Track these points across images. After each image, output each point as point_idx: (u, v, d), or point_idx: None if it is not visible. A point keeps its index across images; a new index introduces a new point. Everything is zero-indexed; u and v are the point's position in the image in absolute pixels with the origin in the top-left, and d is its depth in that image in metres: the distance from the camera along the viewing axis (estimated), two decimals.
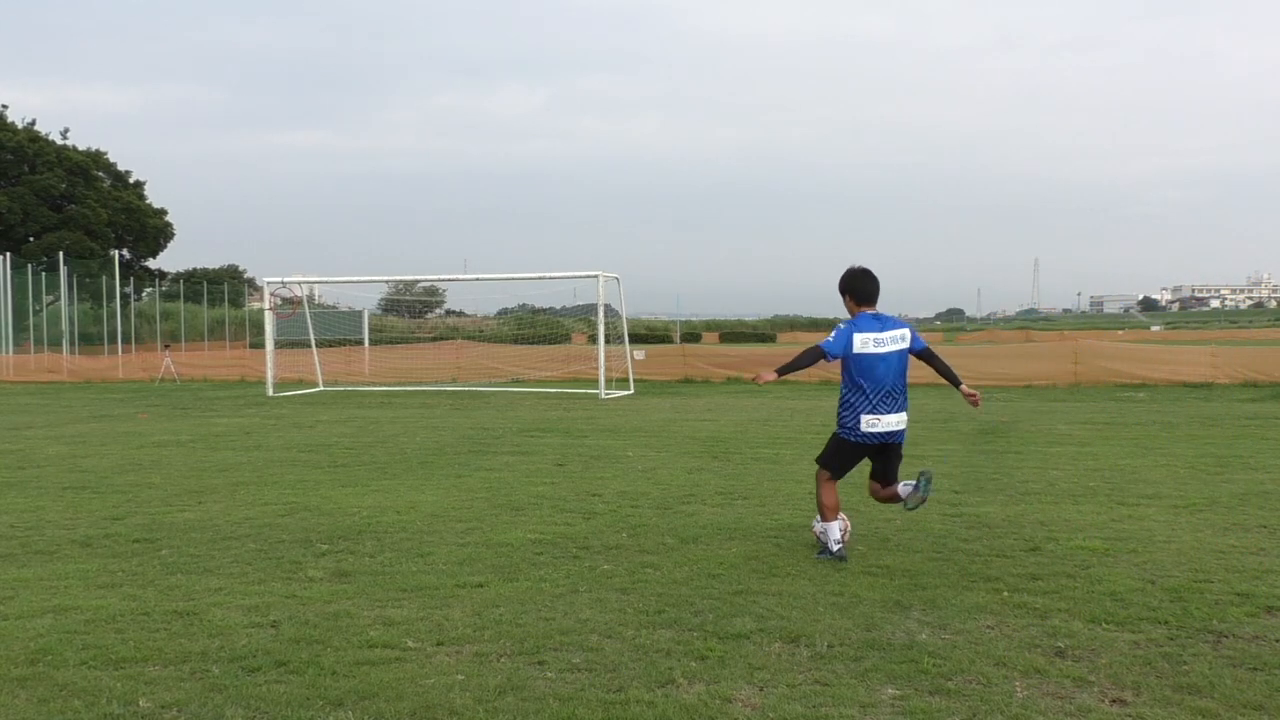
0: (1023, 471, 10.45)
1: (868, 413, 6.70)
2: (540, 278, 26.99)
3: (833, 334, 6.74)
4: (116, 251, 58.03)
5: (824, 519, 6.79)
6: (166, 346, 38.23)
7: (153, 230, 62.67)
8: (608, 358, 24.26)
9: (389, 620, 5.44)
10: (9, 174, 56.93)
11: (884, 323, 6.75)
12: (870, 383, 6.67)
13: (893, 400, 6.73)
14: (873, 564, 6.57)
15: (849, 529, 6.95)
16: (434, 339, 42.69)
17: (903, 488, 6.88)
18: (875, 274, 6.93)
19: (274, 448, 13.52)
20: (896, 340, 6.74)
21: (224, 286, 59.51)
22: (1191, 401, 19.31)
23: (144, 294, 57.59)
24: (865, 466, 7.09)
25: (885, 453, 6.91)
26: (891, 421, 6.74)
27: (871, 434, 6.74)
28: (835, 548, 6.69)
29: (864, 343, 6.65)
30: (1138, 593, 5.82)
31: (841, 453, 6.89)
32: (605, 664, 4.75)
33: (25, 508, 9.05)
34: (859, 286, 6.83)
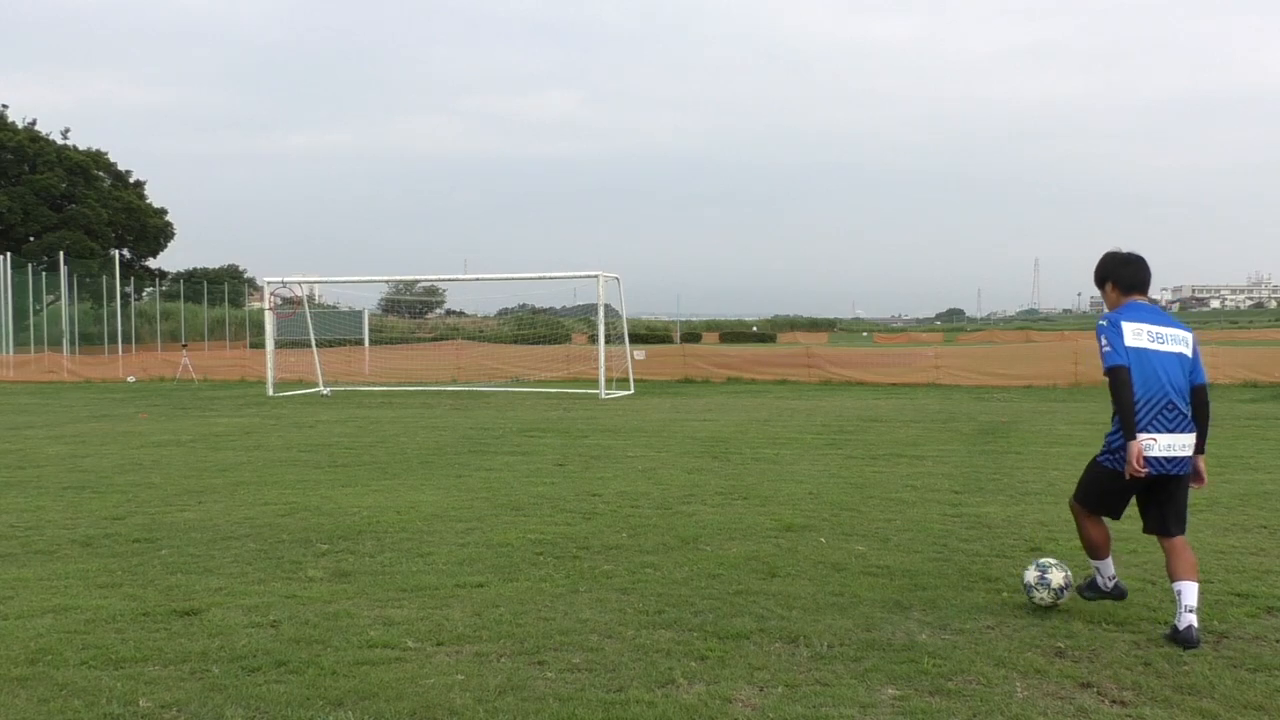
0: (1023, 471, 10.45)
1: None
2: (540, 278, 26.96)
3: None
4: (117, 251, 58.01)
5: None
6: (184, 346, 37.95)
7: (153, 230, 62.61)
8: (608, 358, 24.24)
9: (389, 620, 5.44)
10: (9, 174, 56.87)
11: None
12: None
13: None
14: (873, 564, 6.57)
15: None
16: (434, 339, 42.62)
17: None
18: None
19: (274, 448, 13.52)
20: None
21: (224, 286, 59.52)
22: None
23: (144, 294, 57.56)
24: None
25: None
26: None
27: None
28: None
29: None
30: (1138, 593, 5.81)
31: None
32: (605, 664, 4.75)
33: (25, 507, 9.04)
34: None
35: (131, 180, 63.16)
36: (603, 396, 22.53)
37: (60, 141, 59.94)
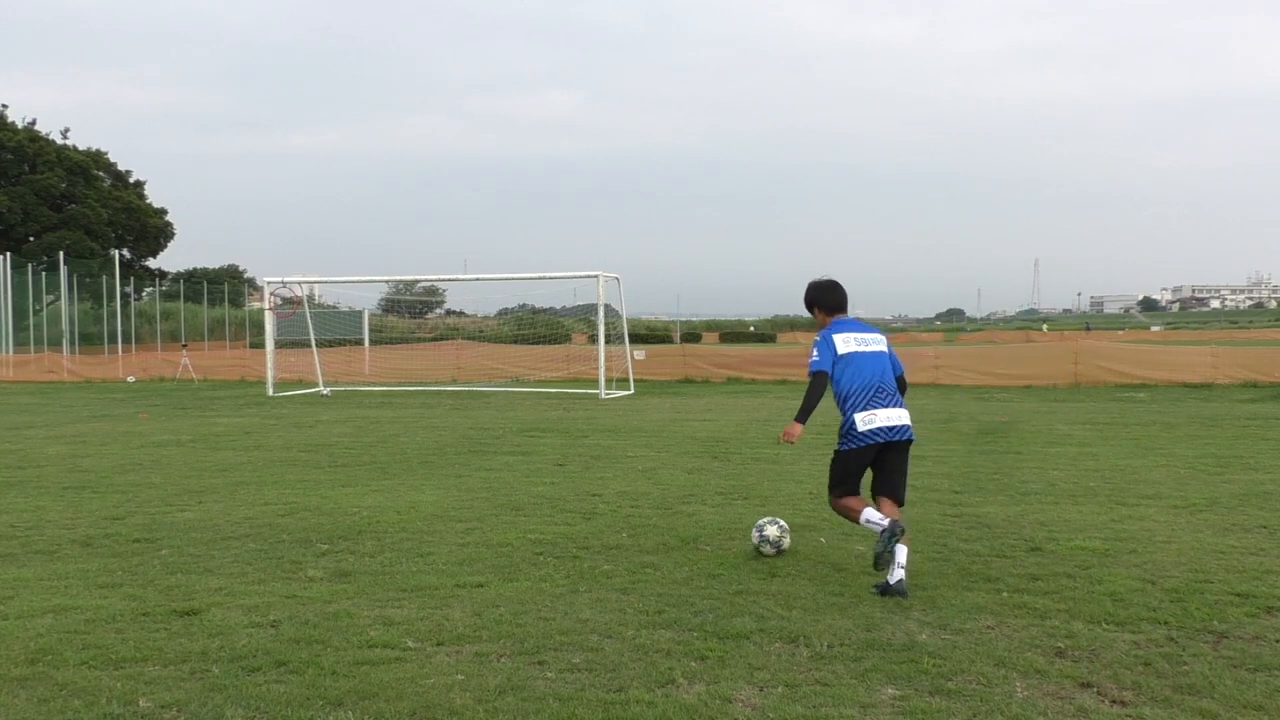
0: (1023, 471, 10.45)
1: None
2: (540, 278, 26.97)
3: None
4: (116, 251, 58.01)
5: None
6: (184, 346, 37.92)
7: (153, 230, 62.64)
8: (608, 358, 24.25)
9: (389, 620, 5.44)
10: (9, 174, 56.89)
11: None
12: None
13: None
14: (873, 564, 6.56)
15: None
16: (434, 339, 42.63)
17: None
18: None
19: (274, 448, 13.52)
20: None
21: (224, 286, 59.55)
22: (1192, 402, 19.30)
23: (144, 294, 57.60)
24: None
25: None
26: None
27: None
28: None
29: None
30: (1138, 593, 5.81)
31: None
32: (605, 664, 4.75)
33: (25, 507, 9.04)
34: None
35: (131, 180, 63.19)
36: (603, 396, 22.53)
37: (60, 141, 59.98)
